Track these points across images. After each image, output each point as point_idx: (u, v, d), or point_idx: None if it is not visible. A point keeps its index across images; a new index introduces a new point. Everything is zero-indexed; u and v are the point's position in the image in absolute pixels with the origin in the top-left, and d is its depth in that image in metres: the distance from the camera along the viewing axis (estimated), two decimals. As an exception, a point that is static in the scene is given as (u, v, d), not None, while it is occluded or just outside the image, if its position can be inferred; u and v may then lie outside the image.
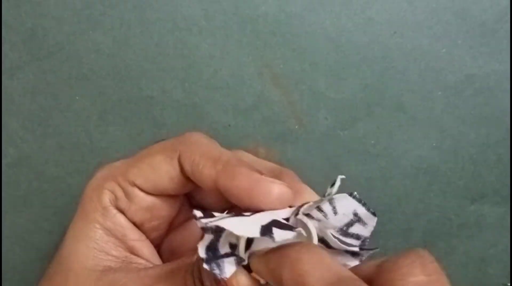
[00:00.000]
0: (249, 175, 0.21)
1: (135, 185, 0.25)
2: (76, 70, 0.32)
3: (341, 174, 0.32)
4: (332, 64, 0.32)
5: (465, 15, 0.31)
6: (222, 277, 0.19)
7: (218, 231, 0.19)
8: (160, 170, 0.24)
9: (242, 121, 0.32)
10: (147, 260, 0.25)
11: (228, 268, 0.19)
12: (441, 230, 0.33)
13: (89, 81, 0.32)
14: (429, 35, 0.31)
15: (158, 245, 0.27)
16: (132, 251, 0.25)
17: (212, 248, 0.19)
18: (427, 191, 0.32)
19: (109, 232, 0.25)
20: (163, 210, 0.26)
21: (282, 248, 0.19)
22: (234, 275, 0.19)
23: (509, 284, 0.33)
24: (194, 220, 0.20)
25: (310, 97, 0.32)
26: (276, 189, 0.21)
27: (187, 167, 0.24)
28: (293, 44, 0.32)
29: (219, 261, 0.19)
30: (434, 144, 0.32)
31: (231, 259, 0.19)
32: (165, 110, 0.32)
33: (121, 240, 0.25)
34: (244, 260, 0.20)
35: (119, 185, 0.25)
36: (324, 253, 0.19)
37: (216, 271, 0.19)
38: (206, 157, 0.23)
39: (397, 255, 0.19)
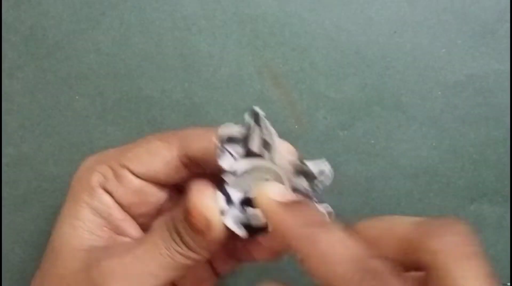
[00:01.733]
0: None
1: (126, 167, 0.25)
2: (75, 69, 0.32)
3: (341, 174, 0.32)
4: (332, 63, 0.32)
5: (465, 15, 0.31)
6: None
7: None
8: (156, 154, 0.25)
9: (242, 121, 0.32)
10: (132, 239, 0.26)
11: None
12: (441, 230, 0.33)
13: (89, 80, 0.32)
14: (428, 35, 0.31)
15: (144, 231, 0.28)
16: (117, 231, 0.25)
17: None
18: (426, 190, 0.32)
19: (95, 211, 0.25)
20: (151, 196, 0.26)
21: (304, 214, 0.20)
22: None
23: (509, 284, 0.33)
24: None
25: (310, 97, 0.32)
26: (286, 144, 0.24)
27: (193, 145, 0.24)
28: (293, 44, 0.32)
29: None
30: (433, 144, 0.32)
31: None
32: (165, 109, 0.32)
33: (107, 220, 0.25)
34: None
35: (110, 167, 0.25)
36: (342, 232, 0.19)
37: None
38: (211, 129, 0.24)
39: (429, 220, 0.20)
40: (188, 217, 0.21)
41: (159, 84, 0.32)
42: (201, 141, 0.24)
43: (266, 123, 0.22)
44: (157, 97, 0.32)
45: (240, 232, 0.22)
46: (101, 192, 0.25)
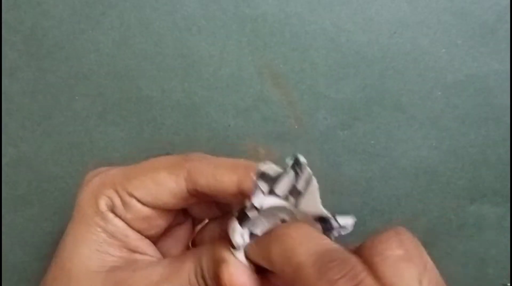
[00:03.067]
0: None
1: (133, 196, 0.25)
2: (75, 69, 0.32)
3: (341, 174, 0.32)
4: (332, 64, 0.32)
5: (465, 15, 0.31)
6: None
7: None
8: (164, 186, 0.24)
9: (242, 121, 0.32)
10: (151, 257, 0.26)
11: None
12: (441, 230, 0.33)
13: (89, 80, 0.32)
14: (428, 35, 0.31)
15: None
16: (135, 250, 0.25)
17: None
18: (426, 191, 0.32)
19: (111, 235, 0.25)
20: (159, 220, 0.26)
21: (271, 230, 0.21)
22: (226, 264, 0.22)
23: (509, 284, 0.33)
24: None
25: (310, 97, 0.32)
26: None
27: (202, 181, 0.24)
28: (293, 44, 0.32)
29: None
30: (433, 144, 0.32)
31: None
32: (165, 110, 0.32)
33: (124, 242, 0.25)
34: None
35: (117, 193, 0.25)
36: (311, 228, 0.20)
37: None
38: (222, 166, 0.24)
39: (376, 234, 0.21)
40: (219, 278, 0.22)
41: (159, 84, 0.32)
42: (210, 178, 0.24)
43: (307, 172, 0.22)
44: (157, 97, 0.32)
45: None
46: (112, 216, 0.25)
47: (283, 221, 0.23)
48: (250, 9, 0.31)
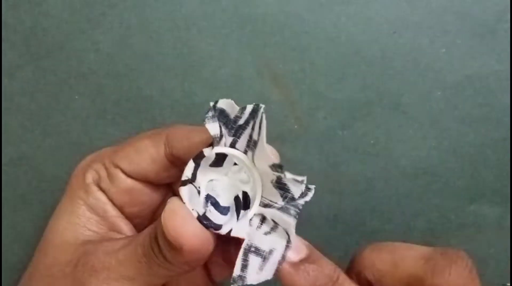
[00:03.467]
0: None
1: (118, 167, 0.25)
2: (75, 69, 0.32)
3: (341, 174, 0.32)
4: (332, 64, 0.32)
5: (465, 15, 0.31)
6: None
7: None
8: (144, 153, 0.25)
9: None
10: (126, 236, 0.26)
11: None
12: (440, 230, 0.33)
13: (89, 80, 0.32)
14: (428, 35, 0.31)
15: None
16: (112, 228, 0.26)
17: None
18: (426, 191, 0.32)
19: (91, 208, 0.25)
20: (143, 195, 0.26)
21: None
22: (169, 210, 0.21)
23: (508, 284, 0.33)
24: None
25: (310, 97, 0.32)
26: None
27: (177, 143, 0.24)
28: (293, 44, 0.32)
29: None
30: (433, 144, 0.32)
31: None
32: (164, 109, 0.32)
33: (103, 217, 0.25)
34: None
35: (104, 166, 0.26)
36: None
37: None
38: (196, 129, 0.25)
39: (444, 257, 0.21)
40: (163, 236, 0.21)
41: (159, 84, 0.32)
42: (184, 140, 0.24)
43: (263, 119, 0.21)
44: (156, 97, 0.32)
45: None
46: (95, 189, 0.25)
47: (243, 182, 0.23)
48: (250, 9, 0.31)
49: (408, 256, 0.22)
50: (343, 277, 0.22)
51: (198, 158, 0.22)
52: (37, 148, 0.32)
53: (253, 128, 0.22)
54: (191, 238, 0.21)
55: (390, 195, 0.32)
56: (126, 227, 0.26)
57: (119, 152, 0.26)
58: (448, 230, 0.33)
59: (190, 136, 0.24)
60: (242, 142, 0.22)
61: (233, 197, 0.23)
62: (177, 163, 0.25)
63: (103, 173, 0.26)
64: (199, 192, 0.22)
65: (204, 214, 0.22)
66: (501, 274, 0.33)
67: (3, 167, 0.32)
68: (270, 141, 0.23)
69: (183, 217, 0.21)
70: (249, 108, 0.22)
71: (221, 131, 0.22)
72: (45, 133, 0.32)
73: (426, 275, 0.20)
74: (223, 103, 0.22)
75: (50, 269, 0.24)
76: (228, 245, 0.26)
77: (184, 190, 0.22)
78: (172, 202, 0.21)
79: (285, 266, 0.21)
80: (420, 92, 0.32)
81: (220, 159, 0.23)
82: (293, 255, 0.22)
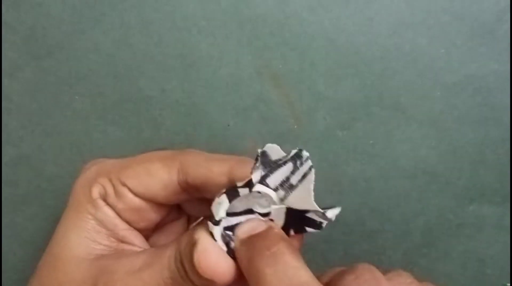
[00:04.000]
0: None
1: (125, 185, 0.25)
2: (75, 69, 0.32)
3: (340, 174, 0.32)
4: (331, 64, 0.32)
5: (464, 15, 0.31)
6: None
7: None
8: (156, 176, 0.25)
9: (241, 121, 0.32)
10: (139, 248, 0.26)
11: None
12: (440, 230, 0.33)
13: (89, 80, 0.32)
14: (428, 36, 0.31)
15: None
16: (123, 240, 0.25)
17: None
18: (425, 191, 0.32)
19: (101, 223, 0.25)
20: (150, 214, 0.26)
21: (255, 247, 0.21)
22: (200, 243, 0.21)
23: (508, 284, 0.33)
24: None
25: (309, 97, 0.32)
26: None
27: (192, 172, 0.24)
28: (292, 44, 0.32)
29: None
30: (432, 144, 0.32)
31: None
32: (164, 110, 0.32)
33: (112, 231, 0.25)
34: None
35: (111, 182, 0.25)
36: (289, 260, 0.20)
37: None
38: (214, 158, 0.24)
39: (348, 268, 0.22)
40: (193, 270, 0.21)
41: (159, 84, 0.32)
42: (201, 169, 0.24)
43: (307, 165, 0.22)
44: (156, 97, 0.32)
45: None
46: (103, 204, 0.25)
47: (261, 214, 0.23)
48: (249, 10, 0.31)
49: None
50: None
51: (231, 195, 0.22)
52: (37, 148, 0.32)
53: (293, 172, 0.22)
54: (225, 274, 0.21)
55: (390, 195, 0.32)
56: (136, 239, 0.26)
57: (127, 171, 0.25)
58: (447, 230, 0.33)
59: (208, 166, 0.24)
60: (275, 178, 0.22)
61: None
62: (190, 190, 0.25)
63: (110, 189, 0.25)
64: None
65: (229, 246, 0.22)
66: (501, 274, 0.33)
67: (3, 167, 0.32)
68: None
69: (217, 256, 0.21)
70: (293, 152, 0.22)
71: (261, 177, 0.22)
72: (45, 133, 0.32)
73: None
74: (269, 148, 0.22)
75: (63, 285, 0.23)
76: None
77: (216, 230, 0.22)
78: (202, 240, 0.21)
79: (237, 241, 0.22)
80: (420, 92, 0.32)
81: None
82: (242, 233, 0.22)
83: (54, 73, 0.32)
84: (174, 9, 0.32)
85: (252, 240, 0.21)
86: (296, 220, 0.23)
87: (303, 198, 0.22)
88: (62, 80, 0.32)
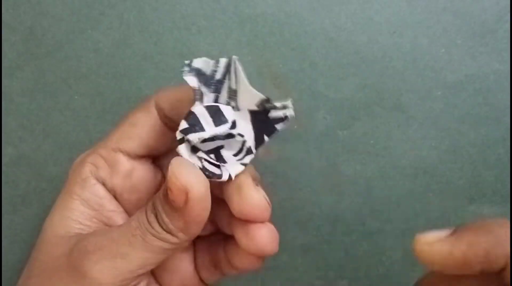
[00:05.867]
0: None
1: (118, 149, 0.25)
2: (75, 69, 0.32)
3: (340, 174, 0.32)
4: (331, 63, 0.32)
5: (465, 15, 0.31)
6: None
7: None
8: (140, 123, 0.25)
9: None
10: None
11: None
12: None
13: (88, 80, 0.32)
14: (428, 35, 0.31)
15: None
16: (107, 222, 0.25)
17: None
18: (426, 191, 0.32)
19: (86, 203, 0.25)
20: (143, 178, 0.26)
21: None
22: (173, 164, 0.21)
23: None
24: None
25: (309, 97, 0.32)
26: None
27: (166, 104, 0.24)
28: (293, 44, 0.32)
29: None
30: (433, 144, 0.32)
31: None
32: (164, 109, 0.32)
33: (98, 212, 0.25)
34: None
35: (101, 155, 0.25)
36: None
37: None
38: (182, 89, 0.24)
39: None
40: (167, 193, 0.21)
41: (159, 84, 0.32)
42: (173, 100, 0.24)
43: (237, 67, 0.22)
44: (156, 97, 0.32)
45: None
46: (93, 182, 0.25)
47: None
48: (249, 9, 0.31)
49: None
50: None
51: (188, 116, 0.22)
52: (36, 148, 0.32)
53: (230, 79, 0.22)
54: (199, 184, 0.21)
55: (390, 195, 0.32)
56: (122, 221, 0.26)
57: (113, 136, 0.25)
58: (448, 230, 0.33)
59: (177, 95, 0.24)
60: (223, 95, 0.23)
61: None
62: (172, 126, 0.25)
63: (100, 162, 0.25)
64: (194, 149, 0.23)
65: (204, 167, 0.22)
66: (501, 274, 0.33)
67: (3, 167, 0.32)
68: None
69: (189, 166, 0.21)
70: (223, 61, 0.22)
71: (200, 88, 0.22)
72: (45, 133, 0.32)
73: None
74: (198, 62, 0.22)
75: (45, 264, 0.24)
76: (216, 248, 0.26)
77: (181, 148, 0.22)
78: (176, 158, 0.21)
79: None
80: (420, 92, 0.32)
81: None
82: None
83: (53, 73, 0.32)
84: (173, 9, 0.31)
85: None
86: (262, 125, 0.23)
87: (248, 96, 0.22)
88: (62, 80, 0.32)
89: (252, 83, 0.32)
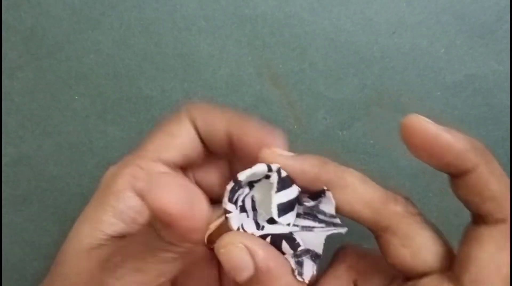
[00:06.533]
0: (259, 128, 0.23)
1: (158, 159, 0.24)
2: (75, 69, 0.32)
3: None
4: (331, 64, 0.32)
5: (464, 15, 0.31)
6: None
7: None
8: (180, 134, 0.24)
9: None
10: None
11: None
12: (440, 230, 0.33)
13: (89, 80, 0.32)
14: (428, 35, 0.31)
15: None
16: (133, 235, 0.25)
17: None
18: (426, 191, 0.32)
19: (119, 216, 0.24)
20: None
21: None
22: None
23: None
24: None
25: (309, 97, 0.32)
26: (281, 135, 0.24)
27: (200, 123, 0.24)
28: (292, 44, 0.32)
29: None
30: (433, 144, 0.32)
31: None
32: (164, 109, 0.32)
33: (128, 226, 0.24)
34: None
35: (140, 167, 0.24)
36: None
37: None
38: (215, 111, 0.24)
39: None
40: (153, 213, 0.20)
41: (159, 84, 0.32)
42: (205, 122, 0.24)
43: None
44: (156, 97, 0.32)
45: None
46: (129, 195, 0.24)
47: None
48: (249, 9, 0.31)
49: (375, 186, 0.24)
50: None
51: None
52: (37, 148, 0.32)
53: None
54: (175, 204, 0.19)
55: (390, 195, 0.32)
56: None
57: (151, 146, 0.25)
58: (448, 230, 0.33)
59: (210, 117, 0.24)
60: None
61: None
62: (203, 140, 0.25)
63: (141, 173, 0.24)
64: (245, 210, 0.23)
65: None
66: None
67: (2, 167, 0.32)
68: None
69: (163, 185, 0.19)
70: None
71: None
72: (45, 133, 0.32)
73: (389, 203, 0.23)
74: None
75: (66, 280, 0.23)
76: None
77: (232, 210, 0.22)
78: (151, 176, 0.21)
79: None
80: (420, 92, 0.32)
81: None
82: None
83: (54, 73, 0.32)
84: (174, 9, 0.32)
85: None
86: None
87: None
88: (62, 80, 0.32)
89: (252, 83, 0.32)
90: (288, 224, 0.22)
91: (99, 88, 0.32)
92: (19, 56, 0.32)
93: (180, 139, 0.24)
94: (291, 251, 0.22)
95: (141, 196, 0.24)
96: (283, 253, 0.22)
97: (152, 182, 0.19)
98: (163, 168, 0.24)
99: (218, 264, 0.27)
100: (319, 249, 0.22)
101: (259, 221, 0.23)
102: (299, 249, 0.22)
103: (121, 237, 0.24)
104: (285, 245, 0.22)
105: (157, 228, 0.21)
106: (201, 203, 0.20)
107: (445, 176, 0.33)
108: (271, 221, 0.22)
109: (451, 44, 0.31)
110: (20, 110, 0.32)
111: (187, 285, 0.26)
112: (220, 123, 0.24)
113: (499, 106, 0.32)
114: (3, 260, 0.33)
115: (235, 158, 0.26)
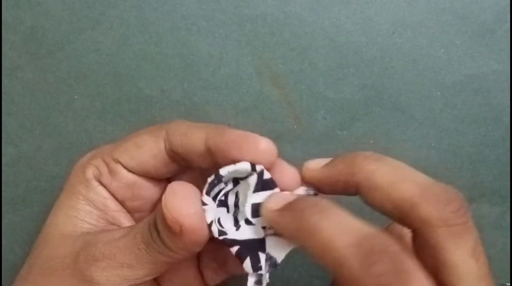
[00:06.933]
0: (237, 132, 0.23)
1: (118, 162, 0.25)
2: (75, 69, 0.32)
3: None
4: (331, 64, 0.32)
5: (464, 15, 0.31)
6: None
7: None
8: (144, 147, 0.25)
9: (241, 120, 0.32)
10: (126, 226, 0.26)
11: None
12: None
13: (88, 80, 0.32)
14: (427, 35, 0.31)
15: None
16: (112, 222, 0.26)
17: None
18: (425, 191, 0.32)
19: (91, 203, 0.25)
20: (144, 190, 0.26)
21: (299, 208, 0.21)
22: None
23: (508, 284, 0.33)
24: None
25: (309, 97, 0.32)
26: (263, 142, 0.23)
27: (176, 140, 0.25)
28: (292, 44, 0.32)
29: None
30: (432, 144, 0.32)
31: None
32: (164, 109, 0.32)
33: (103, 211, 0.26)
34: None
35: (104, 161, 0.26)
36: (340, 212, 0.20)
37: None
38: (193, 126, 0.25)
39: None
40: (163, 219, 0.21)
41: (159, 84, 0.32)
42: (182, 137, 0.24)
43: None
44: (156, 97, 0.32)
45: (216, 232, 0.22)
46: (96, 184, 0.26)
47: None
48: (249, 9, 0.31)
49: (409, 179, 0.21)
50: (326, 201, 0.21)
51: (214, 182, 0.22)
52: (37, 148, 0.32)
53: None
54: (190, 217, 0.21)
55: (390, 195, 0.32)
56: (126, 221, 0.26)
57: (119, 148, 0.26)
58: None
59: (188, 133, 0.24)
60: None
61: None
62: (177, 159, 0.25)
63: (104, 168, 0.26)
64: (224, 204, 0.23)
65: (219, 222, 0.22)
66: (501, 274, 0.33)
67: (3, 167, 0.32)
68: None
69: (183, 196, 0.21)
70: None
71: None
72: (45, 133, 0.32)
73: (418, 204, 0.20)
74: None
75: (49, 261, 0.24)
76: (221, 248, 0.26)
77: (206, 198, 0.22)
78: (172, 184, 0.22)
79: (270, 214, 0.22)
80: (420, 92, 0.32)
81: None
82: (275, 205, 0.22)
83: (53, 73, 0.32)
84: (173, 9, 0.32)
85: (292, 205, 0.21)
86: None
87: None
88: (62, 80, 0.32)
89: (252, 83, 0.32)
90: (264, 228, 0.22)
91: (99, 88, 0.32)
92: (19, 55, 0.32)
93: (142, 152, 0.25)
94: (251, 271, 0.22)
95: (106, 187, 0.26)
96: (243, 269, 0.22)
97: (172, 191, 0.21)
98: (123, 170, 0.26)
99: (198, 256, 0.28)
100: (280, 258, 0.22)
101: (239, 218, 0.23)
102: (259, 272, 0.22)
103: (108, 230, 0.25)
104: (247, 263, 0.22)
105: (162, 233, 0.21)
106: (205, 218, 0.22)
107: (445, 176, 0.33)
108: (248, 221, 0.22)
109: (451, 44, 0.31)
110: (19, 110, 0.32)
111: (168, 280, 0.27)
112: (198, 137, 0.24)
113: (499, 106, 0.32)
114: (3, 260, 0.33)
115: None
